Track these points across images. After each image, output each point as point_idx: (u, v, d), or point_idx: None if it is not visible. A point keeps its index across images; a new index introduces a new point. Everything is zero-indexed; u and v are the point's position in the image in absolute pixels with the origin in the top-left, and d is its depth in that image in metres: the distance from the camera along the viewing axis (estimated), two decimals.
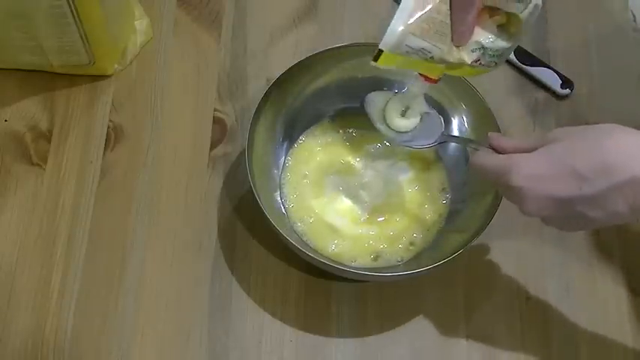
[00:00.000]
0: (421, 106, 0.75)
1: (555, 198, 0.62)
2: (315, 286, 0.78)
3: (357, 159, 0.82)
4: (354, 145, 0.83)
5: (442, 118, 0.76)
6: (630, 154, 0.60)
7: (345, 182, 0.81)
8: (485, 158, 0.67)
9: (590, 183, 0.60)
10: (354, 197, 0.81)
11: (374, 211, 0.80)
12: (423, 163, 0.82)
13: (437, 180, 0.82)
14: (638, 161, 0.59)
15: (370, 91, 0.81)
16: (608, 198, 0.60)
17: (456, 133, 0.82)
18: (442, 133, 0.75)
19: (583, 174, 0.60)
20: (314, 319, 0.77)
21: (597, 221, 0.62)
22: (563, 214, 0.63)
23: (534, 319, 0.78)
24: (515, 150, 0.66)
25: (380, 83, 0.83)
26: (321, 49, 0.81)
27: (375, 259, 0.78)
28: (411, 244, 0.78)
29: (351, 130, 0.84)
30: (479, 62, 0.67)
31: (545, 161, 0.62)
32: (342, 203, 0.80)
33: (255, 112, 0.77)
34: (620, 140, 0.61)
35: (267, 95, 0.78)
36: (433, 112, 0.76)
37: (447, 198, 0.81)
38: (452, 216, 0.79)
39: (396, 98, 0.75)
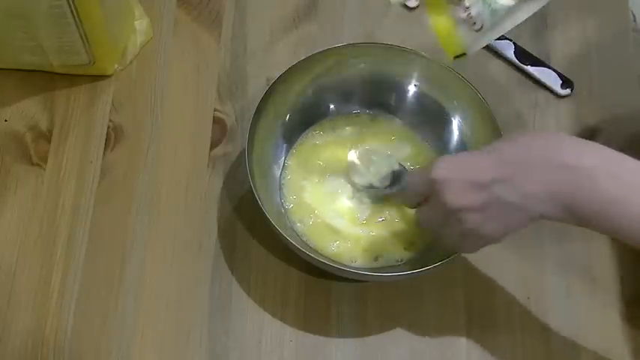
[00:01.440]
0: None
1: (473, 182, 0.63)
2: (315, 286, 0.78)
3: (357, 159, 0.82)
4: (354, 146, 0.83)
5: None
6: (547, 143, 0.62)
7: (345, 183, 0.81)
8: (413, 173, 0.73)
9: (505, 165, 0.62)
10: (354, 198, 0.80)
11: (374, 211, 0.80)
12: (425, 162, 0.82)
13: None
14: (553, 147, 0.61)
15: (370, 91, 0.81)
16: (519, 176, 0.62)
17: (456, 132, 0.82)
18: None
19: (501, 158, 0.63)
20: (314, 319, 0.77)
21: (515, 209, 0.63)
22: (481, 203, 0.63)
23: (534, 319, 0.78)
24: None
25: (380, 82, 0.83)
26: (321, 49, 0.81)
27: (375, 259, 0.78)
28: (411, 244, 0.78)
29: (350, 131, 0.84)
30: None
31: (463, 154, 0.69)
32: (342, 204, 0.80)
33: (255, 112, 0.77)
34: (538, 135, 0.65)
35: (267, 95, 0.78)
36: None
37: None
38: None
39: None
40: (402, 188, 0.75)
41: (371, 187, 0.80)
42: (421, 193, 0.69)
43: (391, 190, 0.78)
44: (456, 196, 0.64)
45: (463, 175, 0.64)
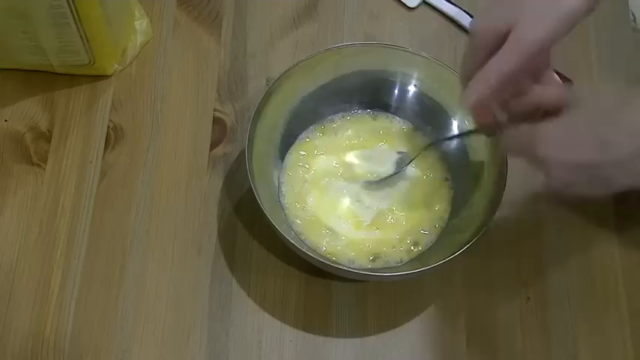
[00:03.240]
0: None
1: (581, 163, 0.61)
2: (315, 286, 0.78)
3: (358, 160, 0.82)
4: (354, 147, 0.83)
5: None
6: None
7: (345, 184, 0.81)
8: (510, 138, 0.65)
9: (615, 147, 0.59)
10: (354, 199, 0.80)
11: (374, 213, 0.80)
12: (427, 162, 0.82)
13: (440, 179, 0.81)
14: None
15: (370, 91, 0.81)
16: (634, 160, 0.59)
17: (456, 132, 0.82)
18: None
19: (608, 138, 0.59)
20: (314, 319, 0.77)
21: (623, 184, 0.61)
22: (589, 180, 0.62)
23: (534, 319, 0.78)
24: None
25: (380, 82, 0.83)
26: (321, 49, 0.81)
27: (375, 259, 0.78)
28: (412, 245, 0.78)
29: (350, 131, 0.84)
30: None
31: (569, 128, 0.61)
32: (342, 204, 0.80)
33: (255, 112, 0.77)
34: None
35: (267, 95, 0.78)
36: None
37: (450, 197, 0.80)
38: (453, 216, 0.79)
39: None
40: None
41: (375, 178, 0.80)
42: (516, 155, 0.65)
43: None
44: (563, 175, 0.62)
45: (570, 156, 0.61)
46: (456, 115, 0.82)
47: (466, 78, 0.66)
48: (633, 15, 0.94)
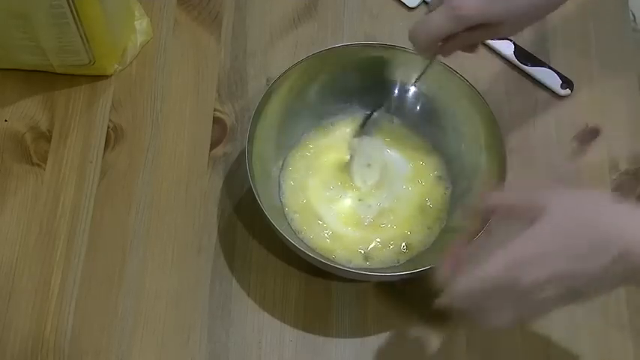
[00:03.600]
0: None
1: (558, 275, 0.59)
2: (315, 286, 0.78)
3: (357, 160, 0.82)
4: (358, 149, 0.83)
5: None
6: (621, 225, 0.59)
7: (344, 184, 0.81)
8: (483, 271, 0.61)
9: (591, 261, 0.58)
10: (354, 199, 0.80)
11: (374, 213, 0.80)
12: (422, 162, 0.82)
13: (436, 179, 0.82)
14: (628, 232, 0.58)
15: (370, 91, 0.81)
16: (608, 272, 0.59)
17: (455, 133, 0.82)
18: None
19: (582, 253, 0.59)
20: (314, 319, 0.77)
21: (595, 295, 0.62)
22: (560, 292, 0.60)
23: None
24: (500, 202, 0.65)
25: (380, 83, 0.83)
26: (320, 49, 0.81)
27: (374, 259, 0.78)
28: (412, 245, 0.78)
29: (350, 131, 0.84)
30: None
31: (546, 239, 0.60)
32: (342, 205, 0.80)
33: (255, 112, 0.77)
34: (611, 211, 0.60)
35: (267, 95, 0.78)
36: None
37: (448, 196, 0.81)
38: (451, 215, 0.79)
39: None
40: None
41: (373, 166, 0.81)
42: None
43: None
44: (537, 288, 0.60)
45: (547, 268, 0.59)
46: (456, 115, 0.82)
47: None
48: (633, 15, 0.94)
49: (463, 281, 0.62)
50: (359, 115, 0.84)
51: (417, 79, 0.81)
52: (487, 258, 0.61)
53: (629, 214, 0.60)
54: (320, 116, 0.84)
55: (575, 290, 0.60)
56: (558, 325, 0.77)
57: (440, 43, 0.72)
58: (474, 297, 0.62)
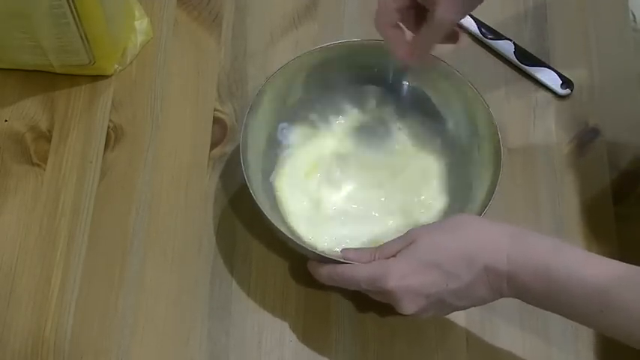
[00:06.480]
0: None
1: (426, 294, 0.67)
2: (315, 287, 0.78)
3: (356, 158, 0.82)
4: (353, 145, 0.83)
5: None
6: (481, 244, 0.66)
7: (342, 180, 0.81)
8: (357, 270, 0.69)
9: (454, 278, 0.66)
10: (352, 194, 0.80)
11: (373, 208, 0.80)
12: (421, 155, 0.82)
13: (434, 177, 0.82)
14: (488, 251, 0.65)
15: (368, 90, 0.82)
16: (471, 287, 0.66)
17: (455, 132, 0.82)
18: None
19: (447, 270, 0.66)
20: (314, 319, 0.77)
21: (466, 306, 0.69)
22: (437, 306, 0.68)
23: (534, 319, 0.78)
24: (374, 257, 0.69)
25: (378, 81, 0.83)
26: (316, 47, 0.81)
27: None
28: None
29: (347, 130, 0.84)
30: None
31: (412, 261, 0.67)
32: (341, 201, 0.80)
33: (250, 109, 0.77)
34: (473, 232, 0.67)
35: (262, 92, 0.78)
36: None
37: (446, 196, 0.81)
38: (449, 216, 0.79)
39: None
40: None
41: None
42: (361, 288, 0.70)
43: None
44: (413, 306, 0.68)
45: (416, 288, 0.67)
46: (455, 115, 0.82)
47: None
48: (633, 15, 0.94)
49: (326, 269, 0.71)
50: (355, 112, 0.84)
51: (395, 74, 0.82)
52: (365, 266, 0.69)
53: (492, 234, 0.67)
54: (317, 115, 0.83)
55: (439, 300, 0.67)
56: (558, 324, 0.77)
57: (409, 40, 0.73)
58: (338, 284, 0.71)
